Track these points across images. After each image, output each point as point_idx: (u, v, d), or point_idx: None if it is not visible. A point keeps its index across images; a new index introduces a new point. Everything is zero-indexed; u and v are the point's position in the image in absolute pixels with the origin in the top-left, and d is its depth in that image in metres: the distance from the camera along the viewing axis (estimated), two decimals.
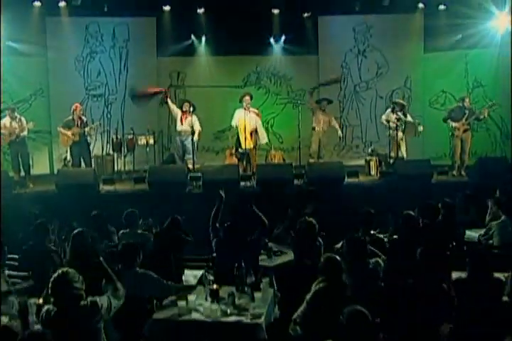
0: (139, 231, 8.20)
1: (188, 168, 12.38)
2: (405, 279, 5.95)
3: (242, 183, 11.85)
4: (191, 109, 13.09)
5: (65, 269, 4.99)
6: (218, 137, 15.56)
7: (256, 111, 13.34)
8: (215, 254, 7.52)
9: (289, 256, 7.87)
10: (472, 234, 8.73)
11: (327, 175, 11.61)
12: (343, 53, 15.51)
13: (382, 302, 5.89)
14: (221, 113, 14.85)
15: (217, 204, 7.62)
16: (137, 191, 11.66)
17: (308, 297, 5.75)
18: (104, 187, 12.01)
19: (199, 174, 11.86)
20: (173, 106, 13.52)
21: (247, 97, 13.20)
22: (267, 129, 15.21)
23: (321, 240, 7.46)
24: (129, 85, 15.00)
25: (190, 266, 7.66)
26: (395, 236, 8.01)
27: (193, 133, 12.84)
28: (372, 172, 13.21)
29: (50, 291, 4.92)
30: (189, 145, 13.15)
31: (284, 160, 14.12)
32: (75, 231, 6.89)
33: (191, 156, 12.95)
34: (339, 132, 13.78)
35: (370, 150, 13.95)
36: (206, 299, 6.29)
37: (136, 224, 8.26)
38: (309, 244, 7.26)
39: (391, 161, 12.85)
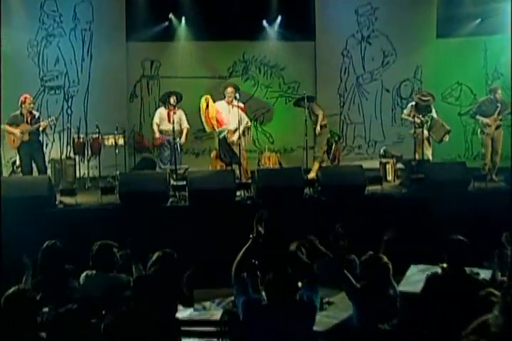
0: (112, 274, 5.25)
1: (170, 175, 9.56)
2: None
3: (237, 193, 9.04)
4: (178, 101, 10.32)
5: None
6: (198, 137, 12.78)
7: (241, 105, 10.50)
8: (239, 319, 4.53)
9: (344, 309, 5.05)
10: None
11: (345, 182, 8.89)
12: (343, 39, 12.88)
13: None
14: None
15: (250, 244, 4.65)
16: (105, 205, 8.77)
17: None
18: (63, 200, 9.05)
19: (183, 182, 9.02)
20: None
21: (230, 89, 10.42)
22: (255, 127, 12.51)
23: (396, 286, 4.71)
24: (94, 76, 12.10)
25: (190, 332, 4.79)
26: None
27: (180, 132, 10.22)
28: (390, 177, 10.55)
29: None
30: (180, 149, 10.48)
31: (280, 163, 11.35)
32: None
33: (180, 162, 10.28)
34: (317, 128, 11.09)
35: (382, 151, 11.28)
36: None
37: (110, 263, 5.32)
38: (380, 295, 4.50)
39: (414, 164, 10.17)
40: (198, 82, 12.53)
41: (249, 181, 9.24)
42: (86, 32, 12.19)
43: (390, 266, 4.59)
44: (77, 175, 11.20)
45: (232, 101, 10.24)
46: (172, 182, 9.24)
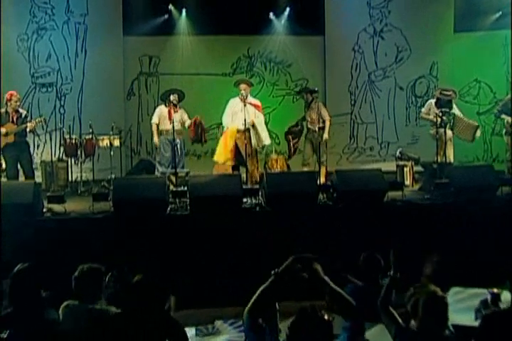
0: (98, 307, 4.21)
1: (170, 180, 8.57)
2: None
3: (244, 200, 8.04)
4: (179, 100, 9.38)
5: None
6: None
7: (257, 102, 9.51)
8: None
9: None
10: None
11: (363, 188, 7.90)
12: (354, 33, 11.93)
13: None
14: (204, 107, 11.15)
15: (271, 282, 3.56)
16: (97, 213, 7.74)
17: None
18: (51, 208, 8.06)
19: (184, 188, 8.03)
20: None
21: (244, 85, 9.43)
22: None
23: (452, 329, 3.73)
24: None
25: None
26: None
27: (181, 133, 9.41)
28: (407, 181, 9.57)
29: None
30: (182, 151, 9.47)
31: (287, 166, 10.38)
32: None
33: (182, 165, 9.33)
34: (325, 135, 9.89)
35: (398, 152, 10.28)
36: None
37: (95, 292, 4.31)
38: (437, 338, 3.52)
39: (435, 167, 9.19)
40: (199, 79, 11.61)
41: (257, 186, 8.24)
42: (80, 25, 11.25)
43: (448, 301, 3.60)
44: (70, 178, 10.22)
45: (245, 98, 9.23)
46: (171, 187, 8.26)
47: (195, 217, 7.55)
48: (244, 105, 9.02)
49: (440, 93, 9.50)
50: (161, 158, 9.31)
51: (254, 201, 7.97)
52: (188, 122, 9.50)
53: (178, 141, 8.97)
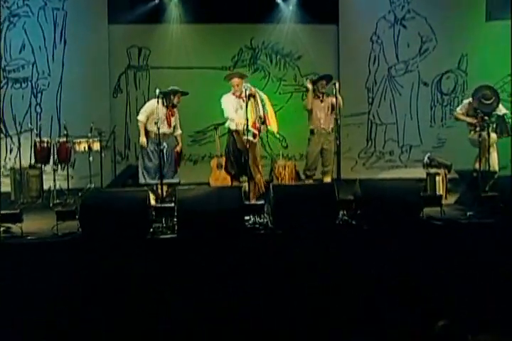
0: None
1: (155, 192, 6.87)
2: None
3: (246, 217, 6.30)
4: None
5: None
6: (197, 140, 10.17)
7: (256, 92, 7.69)
8: None
9: None
10: None
11: (392, 203, 6.14)
12: (373, 22, 10.26)
13: None
14: (201, 106, 9.47)
15: None
16: (60, 237, 5.98)
17: None
18: (8, 227, 6.30)
19: (171, 204, 6.28)
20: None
21: (236, 80, 7.71)
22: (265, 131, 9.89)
23: None
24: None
25: None
26: None
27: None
28: (440, 192, 7.83)
29: None
30: (171, 157, 7.73)
31: (297, 174, 8.67)
32: None
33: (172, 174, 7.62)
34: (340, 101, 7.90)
35: (426, 158, 8.52)
36: None
37: None
38: None
39: (474, 175, 7.47)
40: (195, 73, 9.93)
41: (262, 202, 6.49)
42: (58, 12, 9.65)
43: None
44: (45, 188, 8.56)
45: (241, 94, 7.53)
46: (155, 203, 6.55)
47: (184, 241, 5.81)
48: (243, 101, 7.33)
49: (479, 102, 7.75)
50: (146, 166, 7.55)
51: (258, 220, 6.23)
52: (178, 127, 7.89)
53: (165, 145, 7.22)
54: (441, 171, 8.02)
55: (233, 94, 7.62)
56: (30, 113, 9.62)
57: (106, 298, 5.27)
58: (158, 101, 7.42)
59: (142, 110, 7.79)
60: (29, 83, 9.62)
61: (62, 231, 6.08)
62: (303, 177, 8.12)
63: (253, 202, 7.06)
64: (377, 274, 5.64)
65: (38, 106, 9.67)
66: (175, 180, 7.32)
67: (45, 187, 8.57)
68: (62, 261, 5.60)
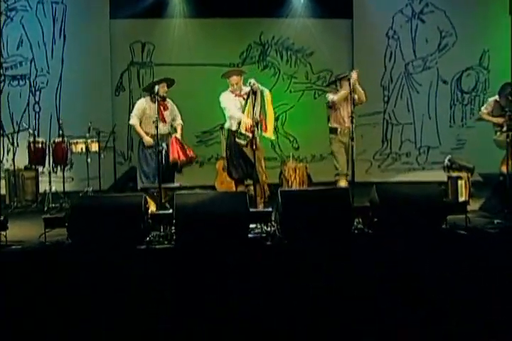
0: None
1: (154, 198, 6.26)
2: None
3: (252, 225, 5.67)
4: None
5: None
6: (203, 140, 9.60)
7: (258, 88, 6.95)
8: None
9: None
10: None
11: (413, 210, 5.50)
12: (389, 16, 9.67)
13: None
14: (207, 105, 8.86)
15: None
16: (48, 246, 5.39)
17: None
18: None
19: (169, 210, 5.67)
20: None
21: (235, 78, 6.98)
22: (275, 129, 9.25)
23: None
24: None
25: None
26: None
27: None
28: (463, 198, 7.16)
29: None
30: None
31: (309, 177, 8.04)
32: None
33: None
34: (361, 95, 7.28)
35: (447, 161, 7.83)
36: None
37: None
38: None
39: (501, 179, 6.81)
40: (201, 70, 9.34)
41: (270, 209, 5.86)
42: (58, 5, 9.18)
43: None
44: (43, 191, 8.02)
45: (240, 92, 6.91)
46: (153, 209, 5.94)
47: (182, 252, 5.20)
48: (243, 99, 6.71)
49: (507, 100, 7.06)
50: (143, 169, 6.92)
51: (264, 228, 5.60)
52: (178, 118, 7.25)
53: (164, 146, 6.59)
54: (464, 174, 7.36)
55: (232, 92, 6.98)
56: (29, 112, 9.12)
57: (91, 319, 4.66)
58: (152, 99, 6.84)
59: (132, 114, 7.08)
60: (27, 80, 9.13)
61: (51, 240, 5.50)
62: (336, 178, 7.35)
63: (260, 207, 6.44)
64: (396, 289, 4.99)
65: (36, 105, 9.16)
66: (176, 184, 6.69)
67: (43, 190, 8.04)
68: (47, 273, 5.00)
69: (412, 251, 5.29)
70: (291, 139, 9.68)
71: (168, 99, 7.06)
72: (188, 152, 6.90)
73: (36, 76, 9.11)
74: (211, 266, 5.07)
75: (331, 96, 7.23)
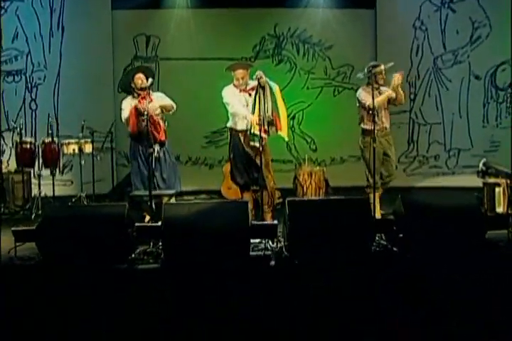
0: None
1: (144, 207, 5.42)
2: None
3: (254, 241, 4.76)
4: (149, 82, 5.95)
5: None
6: (213, 141, 8.74)
7: (267, 82, 6.05)
8: None
9: None
10: None
11: (446, 225, 4.55)
12: (416, 5, 8.66)
13: None
14: (218, 102, 7.87)
15: None
16: (16, 262, 4.57)
17: None
18: None
19: (157, 223, 4.79)
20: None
21: (241, 71, 6.15)
22: (291, 129, 8.43)
23: None
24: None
25: None
26: None
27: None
28: (501, 208, 6.19)
29: None
30: (165, 159, 6.17)
31: (327, 182, 7.13)
32: None
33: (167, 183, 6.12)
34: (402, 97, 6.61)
35: (482, 165, 6.85)
36: None
37: None
38: None
39: None
40: (211, 65, 8.45)
41: (275, 222, 4.96)
42: None
43: None
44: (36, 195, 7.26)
45: (246, 88, 6.04)
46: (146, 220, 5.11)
47: (171, 274, 4.32)
48: (249, 95, 5.86)
49: None
50: (134, 174, 6.08)
51: (270, 245, 4.70)
52: (168, 102, 6.33)
53: (156, 148, 5.72)
54: (502, 181, 6.37)
55: (236, 87, 6.11)
56: (25, 109, 8.34)
57: None
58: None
59: (123, 113, 6.27)
60: (23, 76, 8.35)
61: (21, 255, 4.67)
62: (368, 191, 6.44)
63: (268, 217, 5.55)
64: (398, 289, 4.11)
65: (33, 102, 8.37)
66: (169, 191, 5.79)
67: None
68: (14, 294, 4.17)
69: (444, 273, 4.35)
70: (309, 140, 8.77)
71: (152, 94, 6.12)
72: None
73: (33, 71, 8.33)
74: (205, 291, 4.20)
75: (368, 101, 6.27)
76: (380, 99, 6.43)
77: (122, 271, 4.35)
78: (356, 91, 6.70)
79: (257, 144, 5.53)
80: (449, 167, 8.75)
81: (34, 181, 7.51)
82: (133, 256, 4.59)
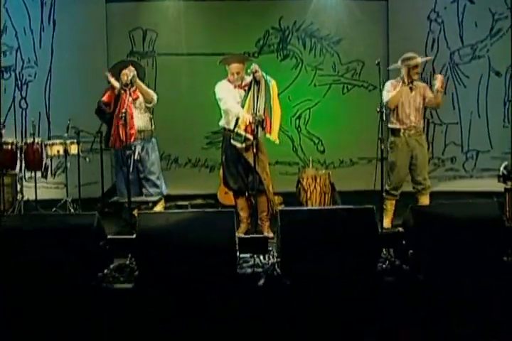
0: None
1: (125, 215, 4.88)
2: None
3: (244, 256, 4.13)
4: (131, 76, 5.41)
5: None
6: (213, 142, 8.13)
7: (262, 77, 5.46)
8: None
9: None
10: None
11: (462, 239, 3.90)
12: None
13: None
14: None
15: None
16: None
17: None
18: None
19: (132, 235, 4.21)
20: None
21: (236, 65, 5.59)
22: (297, 129, 7.83)
23: None
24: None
25: None
26: None
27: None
28: None
29: None
30: (152, 161, 5.61)
31: (333, 187, 6.52)
32: None
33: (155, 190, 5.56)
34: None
35: (502, 169, 6.20)
36: None
37: None
38: None
39: None
40: (211, 61, 7.65)
41: (269, 234, 4.34)
42: None
43: None
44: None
45: (241, 83, 5.45)
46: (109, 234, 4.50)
47: (146, 295, 3.71)
48: (245, 91, 5.28)
49: None
50: (121, 180, 5.53)
51: (261, 261, 4.07)
52: (148, 92, 5.81)
53: (138, 146, 5.15)
54: None
55: (231, 82, 5.52)
56: (14, 108, 7.79)
57: None
58: None
59: None
60: (12, 73, 7.77)
61: None
62: (387, 197, 5.87)
63: (266, 226, 4.96)
64: (427, 322, 3.52)
65: (23, 101, 7.82)
66: (154, 198, 5.20)
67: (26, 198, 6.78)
68: None
69: (463, 298, 3.71)
70: (316, 141, 8.15)
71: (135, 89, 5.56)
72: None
73: (22, 68, 7.76)
74: (184, 315, 3.60)
75: (387, 96, 5.83)
76: (392, 96, 5.85)
77: (93, 287, 3.75)
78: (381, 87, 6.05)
79: (239, 145, 4.96)
80: (466, 170, 8.08)
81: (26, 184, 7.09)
82: (104, 272, 3.99)
